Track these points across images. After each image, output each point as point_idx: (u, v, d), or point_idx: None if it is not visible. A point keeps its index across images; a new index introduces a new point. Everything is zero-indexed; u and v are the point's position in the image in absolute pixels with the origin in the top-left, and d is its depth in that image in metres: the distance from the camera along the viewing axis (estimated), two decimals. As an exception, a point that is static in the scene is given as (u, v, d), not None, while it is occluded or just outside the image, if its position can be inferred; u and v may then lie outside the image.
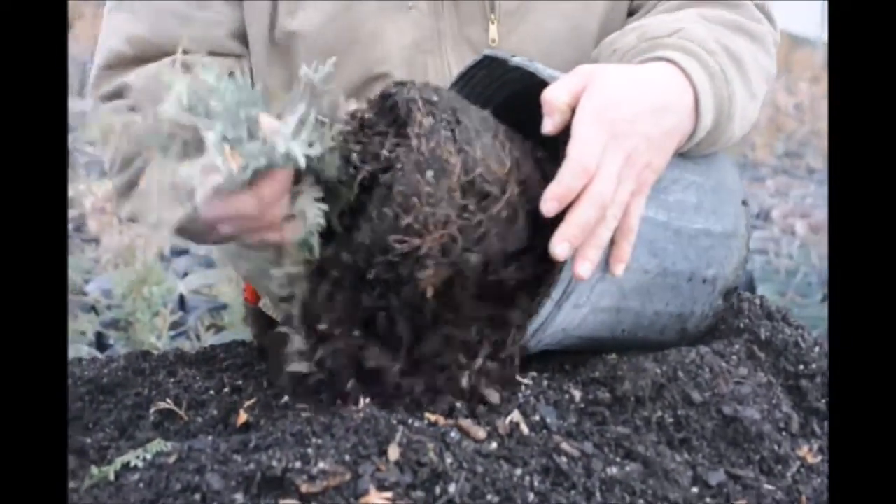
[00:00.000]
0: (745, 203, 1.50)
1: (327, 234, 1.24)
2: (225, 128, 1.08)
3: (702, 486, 1.19)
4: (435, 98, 1.23)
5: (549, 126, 1.25)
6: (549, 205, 1.21)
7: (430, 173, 1.18)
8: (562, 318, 1.28)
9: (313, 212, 1.20)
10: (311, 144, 1.14)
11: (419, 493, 1.12)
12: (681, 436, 1.26)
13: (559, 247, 1.21)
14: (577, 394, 1.31)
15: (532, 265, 1.28)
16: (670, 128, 1.31)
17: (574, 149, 1.22)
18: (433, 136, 1.20)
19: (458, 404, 1.24)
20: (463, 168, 1.20)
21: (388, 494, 1.10)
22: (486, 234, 1.22)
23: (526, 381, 1.31)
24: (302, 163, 1.13)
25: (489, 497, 1.13)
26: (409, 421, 1.21)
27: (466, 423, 1.22)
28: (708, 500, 1.17)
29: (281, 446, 1.15)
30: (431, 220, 1.17)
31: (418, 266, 1.19)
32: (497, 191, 1.23)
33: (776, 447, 1.24)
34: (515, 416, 1.24)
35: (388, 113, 1.25)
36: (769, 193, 7.34)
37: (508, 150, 1.26)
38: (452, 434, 1.19)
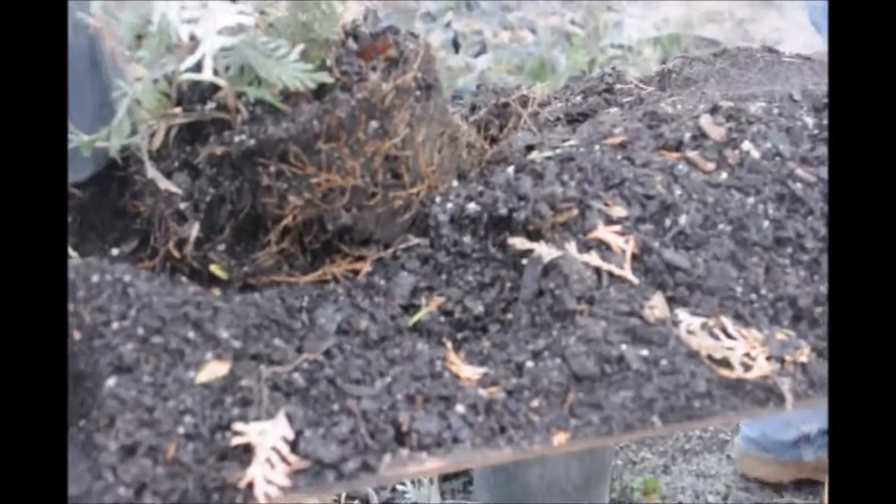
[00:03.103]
0: None
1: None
2: None
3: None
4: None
5: None
6: None
7: (373, 124, 1.10)
8: None
9: None
10: None
11: (648, 226, 1.10)
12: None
13: None
14: (811, 120, 1.23)
15: None
16: None
17: None
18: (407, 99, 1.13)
19: (687, 137, 1.19)
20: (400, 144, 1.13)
21: (617, 228, 1.09)
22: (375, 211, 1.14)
23: (756, 112, 1.25)
24: None
25: (721, 227, 1.10)
26: (634, 157, 1.18)
27: (694, 154, 1.18)
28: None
29: (504, 189, 1.15)
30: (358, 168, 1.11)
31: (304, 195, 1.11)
32: (404, 192, 1.14)
33: None
34: (746, 145, 1.19)
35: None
36: None
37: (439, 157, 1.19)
38: (680, 166, 1.16)
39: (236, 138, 1.08)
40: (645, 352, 0.99)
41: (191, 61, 0.96)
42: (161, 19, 1.01)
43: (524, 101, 1.37)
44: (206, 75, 0.94)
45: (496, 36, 4.93)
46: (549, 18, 4.79)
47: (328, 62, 1.12)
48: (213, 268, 1.12)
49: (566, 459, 1.74)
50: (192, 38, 0.98)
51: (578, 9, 5.21)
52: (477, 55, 4.68)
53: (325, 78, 1.07)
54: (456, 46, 4.77)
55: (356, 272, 1.12)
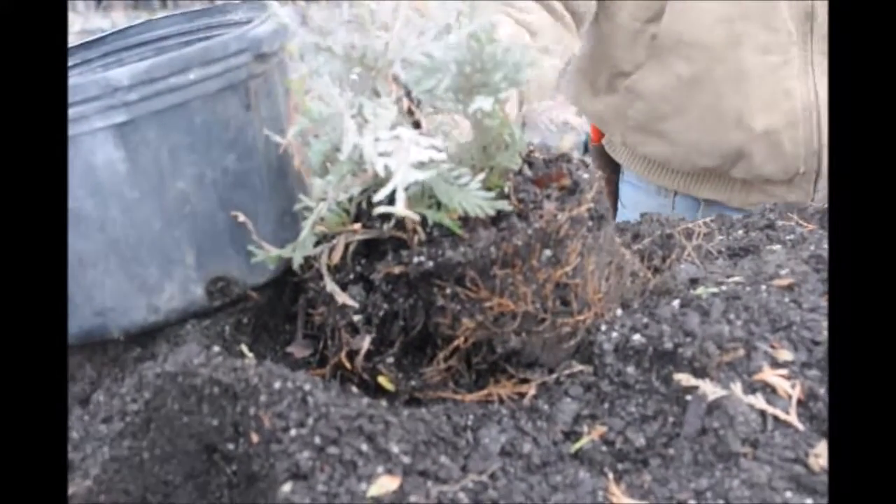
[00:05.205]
0: None
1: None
2: None
3: None
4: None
5: None
6: None
7: (547, 253, 1.14)
8: None
9: None
10: None
11: (814, 372, 1.10)
12: None
13: None
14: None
15: None
16: None
17: None
18: (580, 229, 1.16)
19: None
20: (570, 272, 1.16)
21: (783, 371, 1.10)
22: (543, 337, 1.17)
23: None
24: None
25: (889, 378, 1.10)
26: (801, 301, 1.18)
27: (862, 302, 1.17)
28: None
29: (670, 323, 1.17)
30: (530, 294, 1.14)
31: (477, 318, 1.14)
32: (571, 319, 1.17)
33: None
34: (916, 295, 1.18)
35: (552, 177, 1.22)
36: None
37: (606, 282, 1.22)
38: (848, 313, 1.16)
39: (414, 259, 1.12)
40: (809, 501, 0.98)
41: (382, 193, 0.99)
42: (352, 150, 1.06)
43: (689, 234, 1.39)
44: (399, 209, 0.97)
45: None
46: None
47: (506, 189, 1.16)
48: (382, 379, 1.16)
49: None
50: (386, 169, 1.02)
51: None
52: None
53: (505, 206, 1.11)
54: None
55: (521, 395, 1.14)
